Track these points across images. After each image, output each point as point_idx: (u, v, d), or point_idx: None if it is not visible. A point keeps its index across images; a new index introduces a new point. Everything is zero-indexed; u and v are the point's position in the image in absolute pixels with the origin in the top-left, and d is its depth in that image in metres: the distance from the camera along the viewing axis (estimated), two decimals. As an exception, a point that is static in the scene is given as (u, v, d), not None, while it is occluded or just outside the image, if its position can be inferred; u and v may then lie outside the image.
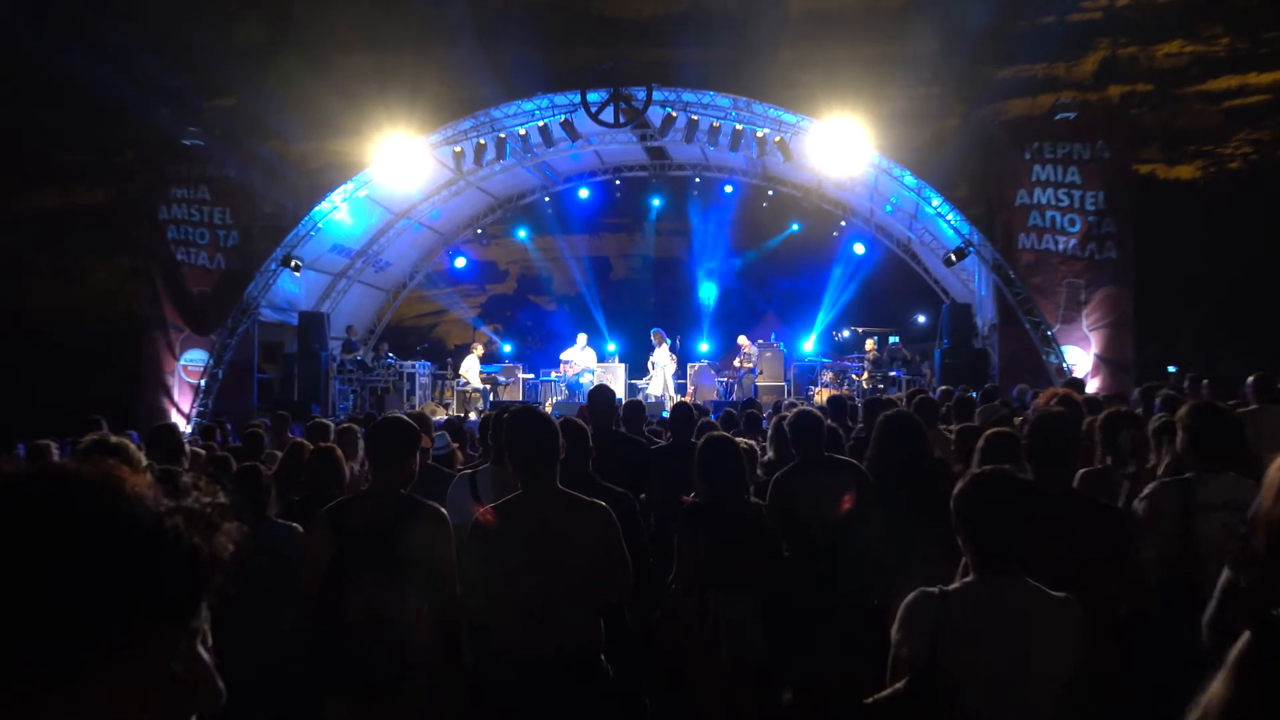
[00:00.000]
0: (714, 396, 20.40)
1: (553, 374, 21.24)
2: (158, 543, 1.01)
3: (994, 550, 2.82)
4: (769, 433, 6.61)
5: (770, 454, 6.57)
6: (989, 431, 4.73)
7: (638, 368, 21.55)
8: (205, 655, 1.06)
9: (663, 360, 20.07)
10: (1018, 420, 7.02)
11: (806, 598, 4.93)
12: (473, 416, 17.07)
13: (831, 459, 5.33)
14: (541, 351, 27.07)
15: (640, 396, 19.96)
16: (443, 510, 3.86)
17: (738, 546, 4.58)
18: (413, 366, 21.15)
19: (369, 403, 19.83)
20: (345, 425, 8.00)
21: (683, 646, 4.63)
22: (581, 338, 20.75)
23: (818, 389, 19.75)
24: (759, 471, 6.01)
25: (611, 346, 23.51)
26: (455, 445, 7.28)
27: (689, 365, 21.74)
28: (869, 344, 19.97)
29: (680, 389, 21.01)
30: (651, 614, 4.83)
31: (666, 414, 18.14)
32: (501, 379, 20.97)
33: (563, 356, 20.87)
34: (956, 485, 2.93)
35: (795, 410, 5.56)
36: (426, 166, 19.26)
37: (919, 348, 22.21)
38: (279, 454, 7.06)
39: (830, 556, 4.86)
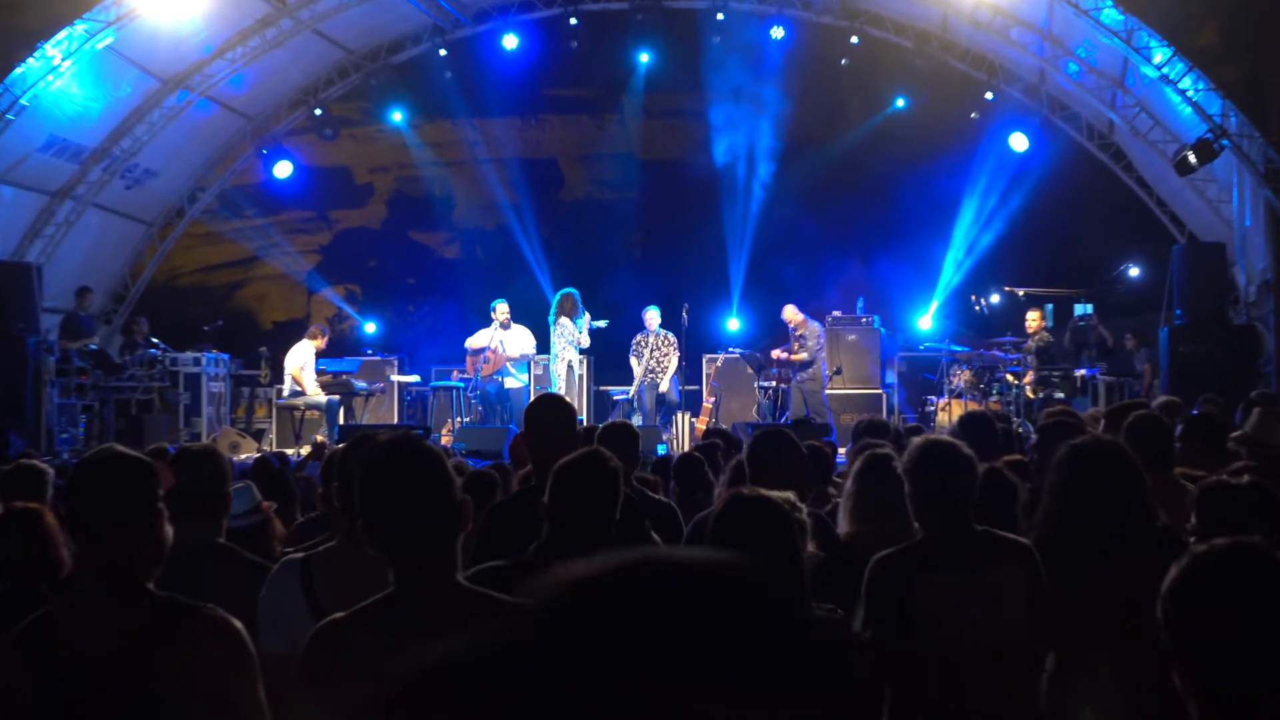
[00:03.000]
0: (753, 415, 20.37)
1: (455, 374, 21.17)
2: None
3: (1239, 695, 2.78)
4: (849, 481, 6.55)
5: (844, 523, 6.50)
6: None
7: (613, 362, 21.51)
8: None
9: (563, 339, 20.10)
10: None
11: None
12: (308, 453, 17.00)
13: (989, 537, 5.27)
14: (434, 335, 26.97)
15: (622, 414, 19.96)
16: (231, 621, 3.80)
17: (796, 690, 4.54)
18: (196, 363, 21.03)
19: (115, 428, 19.71)
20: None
21: None
22: (501, 308, 20.68)
23: (942, 401, 19.76)
24: (812, 546, 5.92)
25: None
26: (270, 506, 7.21)
27: (706, 360, 21.69)
28: (1033, 317, 19.97)
29: (690, 400, 20.96)
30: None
31: (665, 450, 18.21)
32: (361, 384, 20.90)
33: (470, 344, 20.81)
34: (1168, 575, 2.90)
35: (921, 442, 5.49)
36: (220, -8, 19.15)
37: (1129, 324, 22.23)
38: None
39: (981, 713, 4.82)
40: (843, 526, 6.41)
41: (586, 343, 20.37)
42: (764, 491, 4.79)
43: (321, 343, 20.44)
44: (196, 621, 3.77)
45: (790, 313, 20.59)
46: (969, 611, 4.99)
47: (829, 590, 5.06)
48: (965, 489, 5.22)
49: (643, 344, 20.72)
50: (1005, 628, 4.96)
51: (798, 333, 20.43)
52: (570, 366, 20.18)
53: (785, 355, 20.29)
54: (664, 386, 20.49)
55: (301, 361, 20.09)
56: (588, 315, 20.34)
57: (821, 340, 20.38)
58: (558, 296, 20.43)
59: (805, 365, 20.19)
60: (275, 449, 18.94)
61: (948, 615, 5.01)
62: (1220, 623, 2.76)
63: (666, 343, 20.68)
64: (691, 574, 1.60)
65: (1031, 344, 19.45)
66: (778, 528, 4.62)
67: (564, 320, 20.10)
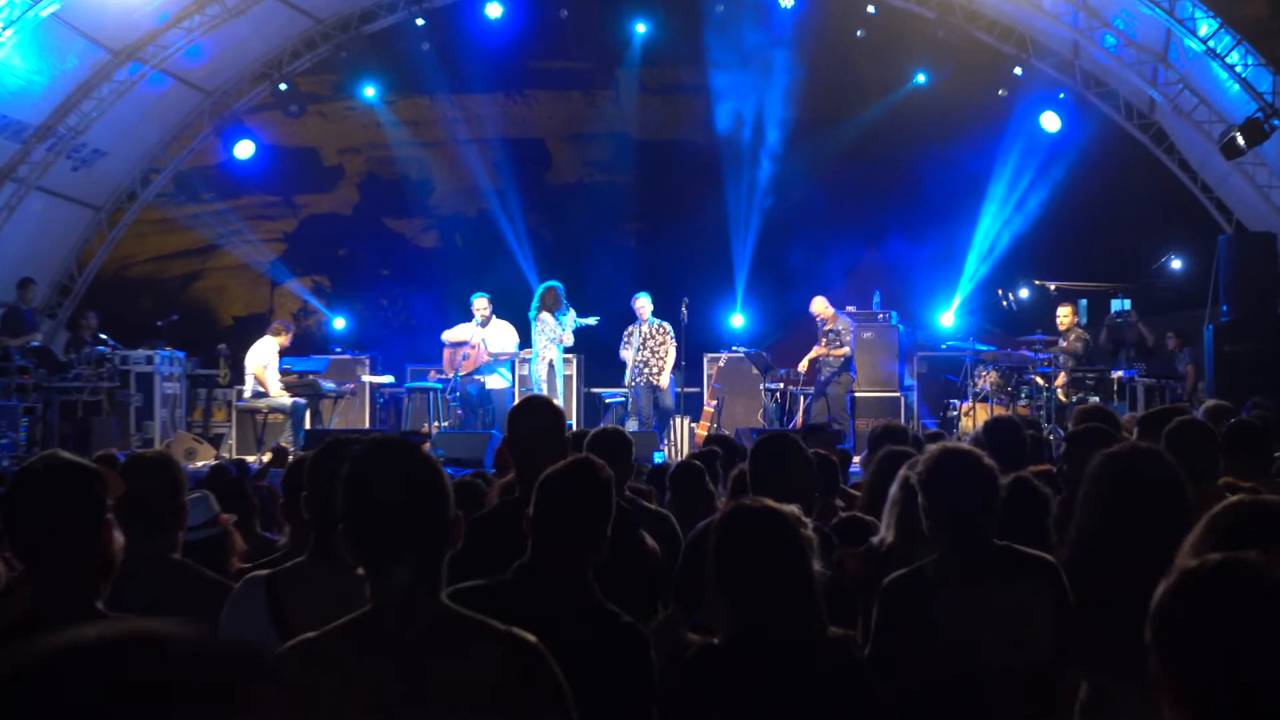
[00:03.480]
0: (758, 420, 20.35)
1: (432, 375, 21.14)
2: None
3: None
4: (894, 487, 6.54)
5: (885, 534, 6.53)
6: None
7: (604, 362, 21.45)
8: None
9: (545, 336, 19.86)
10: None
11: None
12: (269, 460, 16.98)
13: (1010, 553, 5.29)
14: (409, 331, 26.95)
15: (615, 418, 19.89)
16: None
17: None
18: (148, 361, 21.00)
19: (60, 433, 19.68)
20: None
21: None
22: (480, 303, 20.55)
23: (966, 405, 19.76)
24: (821, 567, 5.92)
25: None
26: (229, 519, 7.21)
27: (707, 360, 21.63)
28: (1065, 313, 19.93)
29: (689, 404, 20.91)
30: None
31: (661, 458, 18.12)
32: (329, 385, 20.86)
33: (448, 337, 20.75)
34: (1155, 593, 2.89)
35: (937, 451, 5.49)
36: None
37: (1170, 321, 22.22)
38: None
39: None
40: (887, 537, 6.42)
41: (570, 341, 20.19)
42: (770, 502, 4.79)
43: (285, 339, 20.37)
44: None
45: (820, 305, 20.46)
46: (989, 633, 5.01)
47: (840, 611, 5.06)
48: (985, 502, 5.23)
49: (633, 334, 20.51)
50: (1028, 650, 4.98)
51: (827, 327, 20.22)
52: (552, 366, 20.03)
53: (824, 352, 20.11)
54: (663, 381, 20.25)
55: (264, 360, 20.02)
56: (573, 312, 20.18)
57: (853, 336, 20.21)
58: (540, 290, 20.19)
59: (845, 364, 20.01)
60: (234, 456, 18.91)
61: (966, 638, 5.03)
62: (1212, 647, 2.76)
63: (661, 332, 20.41)
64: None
65: (1071, 343, 19.34)
66: (784, 542, 4.62)
67: (545, 316, 19.92)
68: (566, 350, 20.65)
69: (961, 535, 5.21)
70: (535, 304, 20.06)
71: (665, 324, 20.47)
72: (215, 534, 6.90)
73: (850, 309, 20.89)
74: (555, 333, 19.91)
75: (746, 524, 4.66)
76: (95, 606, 3.84)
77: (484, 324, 20.46)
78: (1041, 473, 7.65)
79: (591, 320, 20.47)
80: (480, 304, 20.51)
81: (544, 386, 19.59)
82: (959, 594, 5.09)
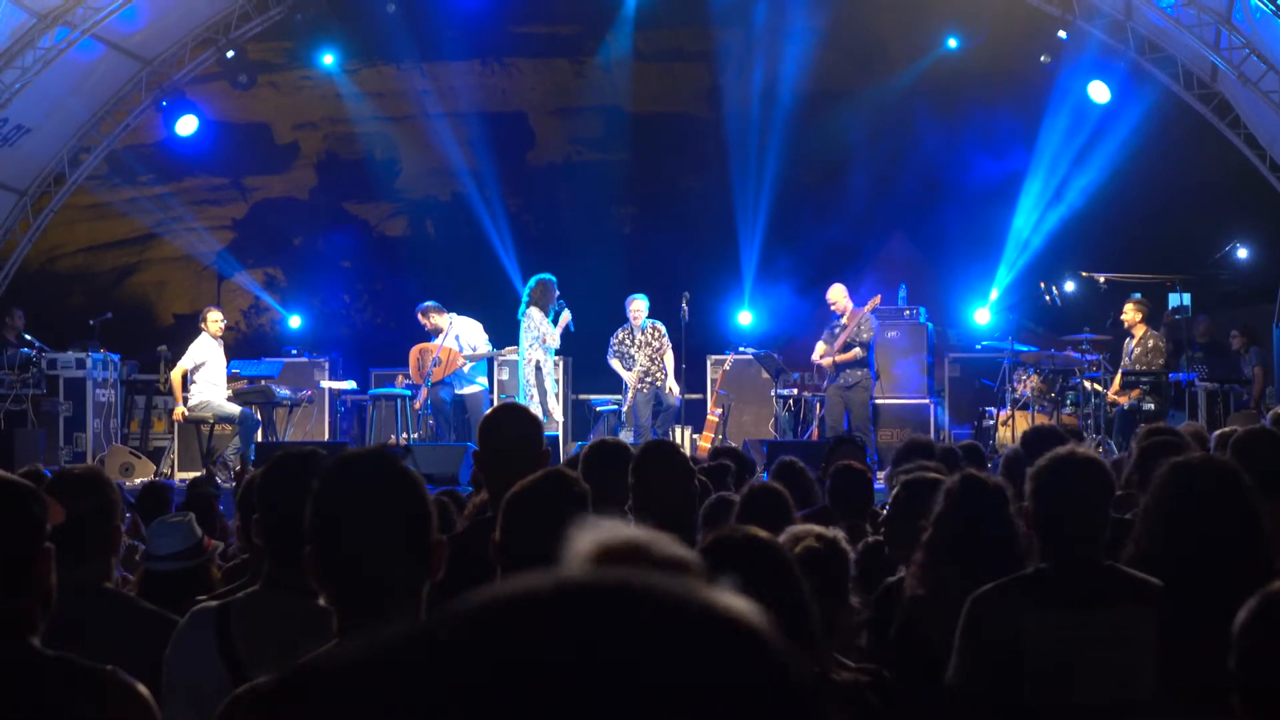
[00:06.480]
0: (769, 430, 20.30)
1: (400, 380, 21.07)
2: None
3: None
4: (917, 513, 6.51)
5: (911, 585, 6.48)
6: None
7: (595, 365, 21.44)
8: None
9: (530, 335, 19.32)
10: None
11: None
12: (220, 481, 16.92)
13: (1116, 574, 5.27)
14: (374, 331, 26.91)
15: (608, 428, 19.83)
16: (137, 688, 3.77)
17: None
18: (79, 365, 20.96)
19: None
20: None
21: None
22: (424, 318, 20.16)
23: (1004, 414, 19.70)
24: (855, 604, 5.87)
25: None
26: (215, 545, 7.19)
27: (711, 362, 21.56)
28: (1130, 310, 19.71)
29: (691, 412, 20.86)
30: None
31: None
32: (283, 392, 20.76)
33: (415, 352, 20.60)
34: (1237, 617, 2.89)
35: (1063, 454, 5.44)
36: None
37: (1236, 317, 22.20)
38: None
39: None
40: (915, 589, 6.40)
41: (556, 343, 19.66)
42: (754, 530, 4.74)
43: (214, 326, 19.74)
44: (97, 688, 3.71)
45: (837, 294, 20.02)
46: (1086, 662, 5.01)
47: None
48: (1105, 518, 5.27)
49: (627, 342, 20.29)
50: (1123, 685, 4.99)
51: (842, 320, 19.83)
52: (539, 368, 19.64)
53: (835, 358, 19.57)
54: (671, 385, 20.09)
55: (202, 358, 19.38)
56: (568, 313, 19.60)
57: (875, 335, 19.81)
58: (530, 283, 19.70)
59: (863, 364, 19.61)
60: (177, 472, 18.85)
61: (1061, 666, 5.03)
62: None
63: (657, 335, 20.24)
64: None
65: (1147, 353, 18.95)
66: (771, 574, 4.56)
67: (534, 312, 19.45)
68: (555, 352, 20.52)
69: (1070, 551, 5.23)
70: (525, 298, 19.61)
71: (659, 324, 20.27)
72: (198, 564, 6.85)
73: (877, 302, 20.71)
74: (539, 331, 19.43)
75: (729, 553, 4.62)
76: (31, 644, 3.80)
77: (433, 335, 20.09)
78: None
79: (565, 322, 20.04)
80: (434, 317, 20.19)
81: (532, 391, 19.32)
82: (1054, 616, 5.10)
